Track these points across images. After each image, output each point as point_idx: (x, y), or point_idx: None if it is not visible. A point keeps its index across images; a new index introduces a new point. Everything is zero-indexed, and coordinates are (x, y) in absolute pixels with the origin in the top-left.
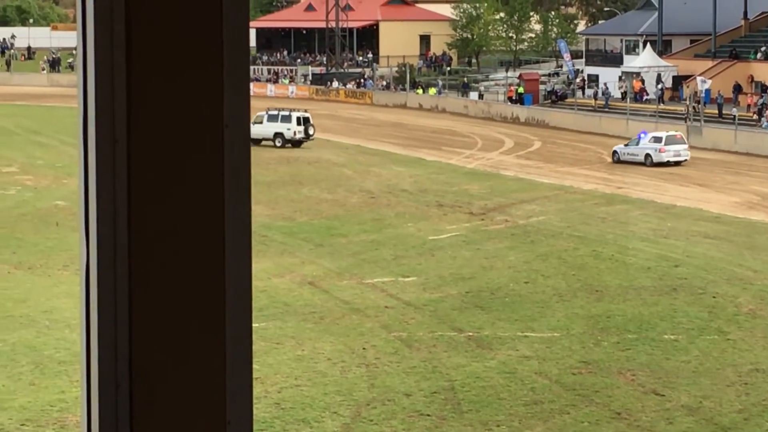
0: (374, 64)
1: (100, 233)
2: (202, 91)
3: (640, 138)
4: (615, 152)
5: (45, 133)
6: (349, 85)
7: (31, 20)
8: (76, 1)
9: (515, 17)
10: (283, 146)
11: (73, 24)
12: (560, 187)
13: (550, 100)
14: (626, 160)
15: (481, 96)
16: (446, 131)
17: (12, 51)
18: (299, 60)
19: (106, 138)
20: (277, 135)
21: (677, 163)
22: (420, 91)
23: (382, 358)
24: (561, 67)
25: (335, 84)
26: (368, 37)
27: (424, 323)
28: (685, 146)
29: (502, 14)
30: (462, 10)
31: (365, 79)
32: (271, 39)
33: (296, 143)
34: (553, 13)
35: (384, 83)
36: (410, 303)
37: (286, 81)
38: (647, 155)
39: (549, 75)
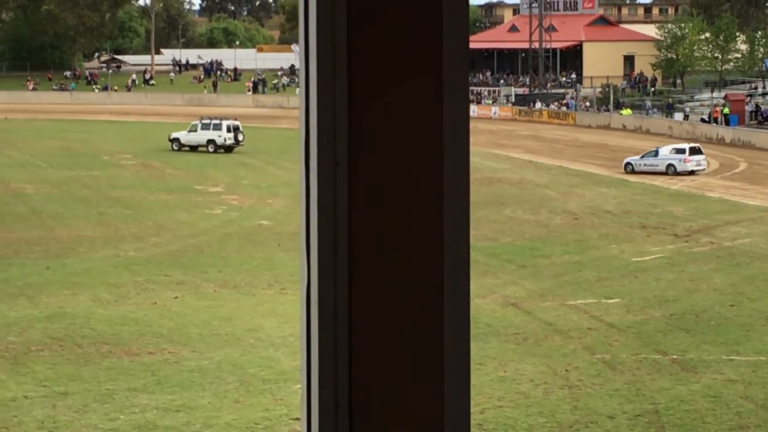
0: (577, 85)
1: (321, 255)
2: (421, 112)
3: (658, 151)
4: (628, 164)
5: (250, 153)
6: (552, 106)
7: (237, 42)
8: (299, 24)
9: (721, 37)
10: (215, 151)
11: (278, 46)
12: (767, 209)
13: (756, 121)
14: (642, 171)
15: (686, 117)
16: None
17: (219, 73)
18: (502, 81)
19: (328, 159)
20: (210, 141)
21: (694, 173)
22: (626, 111)
23: (585, 380)
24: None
25: (538, 105)
26: (571, 57)
27: (628, 345)
28: (704, 157)
29: (707, 34)
30: (667, 30)
31: (568, 100)
32: (474, 59)
33: (227, 149)
34: (759, 33)
35: (587, 104)
36: (613, 325)
37: (489, 102)
38: (669, 165)
39: (751, 96)
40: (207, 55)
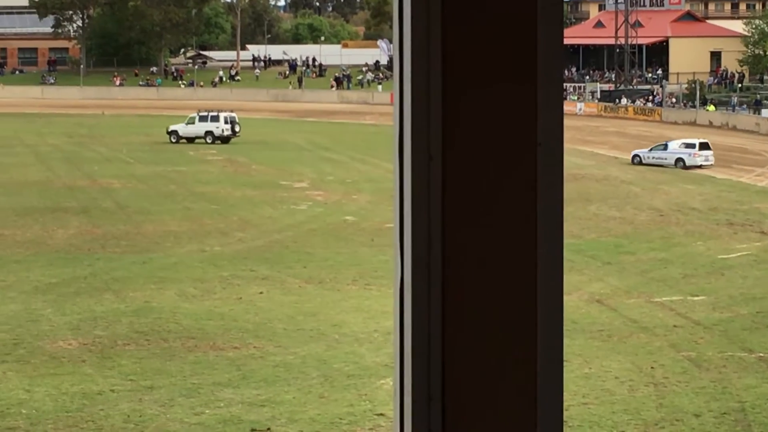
0: (663, 81)
1: (414, 250)
2: (515, 109)
3: (667, 144)
4: (636, 156)
5: (335, 149)
6: (637, 102)
7: (322, 38)
8: (393, 21)
9: None
10: (213, 142)
11: (363, 41)
12: None
13: None
14: (649, 163)
15: None
16: (737, 149)
17: (303, 68)
18: (588, 77)
19: (422, 155)
20: (208, 133)
21: (702, 167)
22: (711, 107)
23: (671, 378)
24: None
25: (624, 101)
26: (657, 53)
27: (714, 343)
28: (712, 152)
29: None
30: (754, 26)
31: (654, 96)
32: None
33: (224, 140)
34: None
35: (673, 100)
36: (699, 322)
37: (575, 98)
38: (679, 159)
39: None
40: (292, 51)
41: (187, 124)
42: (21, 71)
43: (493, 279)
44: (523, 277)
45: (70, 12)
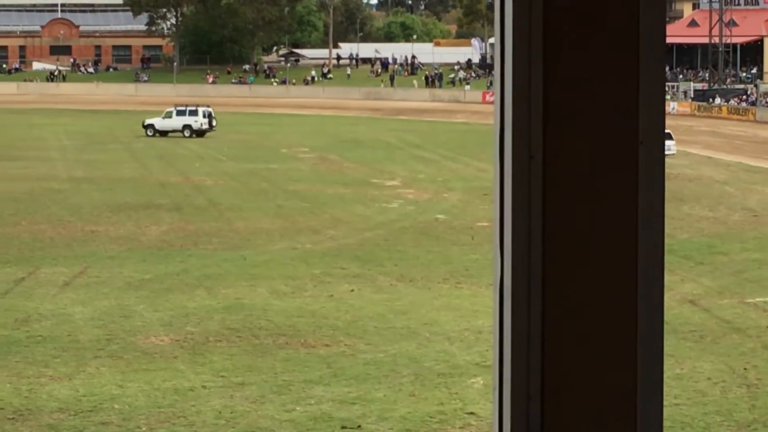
0: (758, 80)
1: (514, 248)
2: (617, 108)
3: None
4: None
5: (426, 147)
6: (731, 102)
7: (414, 36)
8: (494, 20)
9: None
10: (191, 136)
11: (455, 40)
12: None
13: None
14: None
15: None
16: None
17: (395, 67)
18: (681, 76)
19: (522, 153)
20: (186, 126)
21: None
22: None
23: (764, 379)
24: None
25: (717, 100)
26: (752, 52)
27: None
28: (674, 142)
29: None
30: None
31: (748, 96)
32: None
33: (200, 134)
34: None
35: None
36: None
37: (668, 97)
38: None
39: None
40: (384, 49)
41: (164, 117)
42: (115, 69)
43: (593, 278)
44: (624, 276)
45: (164, 10)
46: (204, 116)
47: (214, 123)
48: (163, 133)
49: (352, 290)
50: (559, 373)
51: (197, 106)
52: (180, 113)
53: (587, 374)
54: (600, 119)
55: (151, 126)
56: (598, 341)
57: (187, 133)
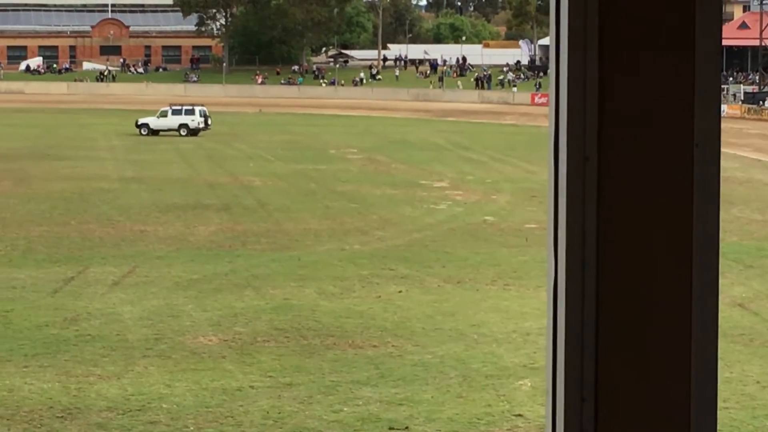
0: None
1: (568, 249)
2: (672, 110)
3: None
4: None
5: (475, 149)
6: None
7: (463, 38)
8: (550, 19)
9: None
10: (187, 135)
11: (504, 41)
12: None
13: None
14: None
15: None
16: None
17: (444, 68)
18: (731, 78)
19: (577, 155)
20: (182, 126)
21: None
22: None
23: None
24: None
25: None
26: None
27: None
28: None
29: None
30: None
31: None
32: None
33: (194, 132)
34: None
35: None
36: None
37: None
38: None
39: None
40: (433, 50)
41: (159, 117)
42: (165, 69)
43: (647, 280)
44: (679, 279)
45: (214, 10)
46: (200, 115)
47: (209, 122)
48: (154, 132)
49: (400, 291)
50: (613, 375)
51: (193, 105)
52: (176, 112)
53: (641, 377)
54: (655, 120)
55: (146, 125)
56: (653, 343)
57: (183, 132)
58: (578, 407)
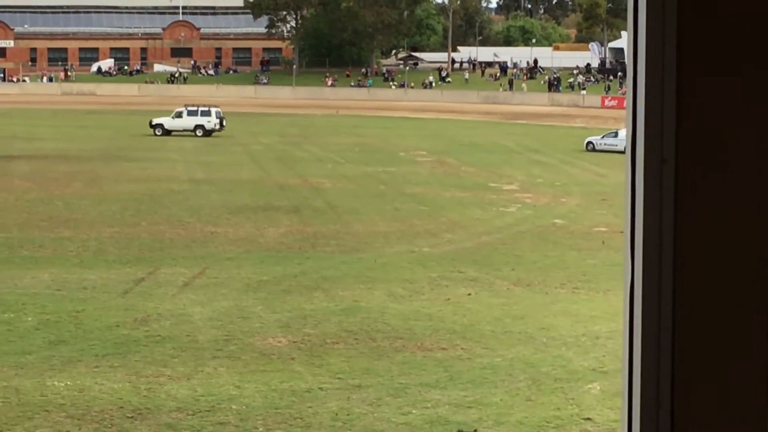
0: None
1: (645, 253)
2: (752, 110)
3: (618, 132)
4: (590, 143)
5: (544, 152)
6: None
7: (533, 40)
8: (627, 22)
9: None
10: (203, 136)
11: (574, 44)
12: None
13: None
14: (602, 149)
15: None
16: None
17: (514, 70)
18: None
19: (654, 157)
20: (198, 126)
21: None
22: None
23: None
24: None
25: None
26: None
27: None
28: None
29: None
30: None
31: None
32: None
33: (209, 133)
34: None
35: None
36: None
37: None
38: None
39: None
40: (503, 53)
41: (174, 117)
42: (235, 71)
43: (726, 284)
44: (757, 283)
45: (284, 12)
46: (216, 117)
47: (224, 123)
48: (167, 132)
49: (469, 294)
50: (689, 381)
51: (209, 106)
52: (191, 113)
53: (718, 382)
54: (733, 121)
55: (160, 126)
56: (730, 349)
57: (199, 132)
58: (654, 412)
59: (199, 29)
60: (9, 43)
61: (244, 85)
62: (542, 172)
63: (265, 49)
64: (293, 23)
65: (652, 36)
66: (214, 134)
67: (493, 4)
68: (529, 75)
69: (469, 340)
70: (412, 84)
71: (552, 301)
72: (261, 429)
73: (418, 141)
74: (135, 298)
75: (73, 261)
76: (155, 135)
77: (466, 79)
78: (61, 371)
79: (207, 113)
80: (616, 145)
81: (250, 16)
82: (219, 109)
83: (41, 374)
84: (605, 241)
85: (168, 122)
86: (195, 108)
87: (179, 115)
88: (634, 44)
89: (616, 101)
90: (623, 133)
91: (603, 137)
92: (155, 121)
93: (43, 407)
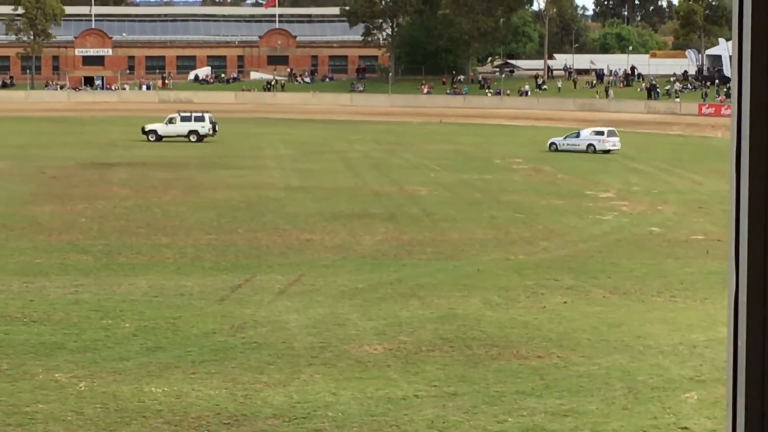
0: None
1: (750, 262)
2: None
3: (579, 132)
4: (552, 143)
5: (641, 159)
6: None
7: (630, 47)
8: (732, 29)
9: None
10: (197, 141)
11: (671, 51)
12: None
13: None
14: (564, 149)
15: None
16: None
17: (610, 78)
18: None
19: (760, 168)
20: (192, 132)
21: (610, 152)
22: None
23: None
24: None
25: None
26: None
27: None
28: (618, 138)
29: None
30: None
31: None
32: None
33: (202, 138)
34: None
35: None
36: None
37: None
38: (590, 145)
39: None
40: (599, 60)
41: (167, 123)
42: (331, 78)
43: None
44: None
45: (380, 20)
46: (209, 122)
47: (217, 128)
48: (158, 138)
49: (565, 302)
50: None
51: (203, 112)
52: (185, 119)
53: None
54: None
55: (153, 132)
56: None
57: (193, 138)
58: (759, 422)
59: (295, 37)
60: (107, 52)
61: (340, 93)
62: (639, 180)
63: (361, 57)
64: (389, 31)
65: (757, 46)
66: (301, 143)
67: (590, 12)
68: (625, 82)
69: (565, 348)
70: (508, 91)
71: (649, 310)
72: None
73: (513, 148)
74: (231, 304)
75: (170, 268)
76: (148, 141)
77: (559, 88)
78: (158, 377)
79: (200, 119)
80: (578, 145)
81: (346, 24)
82: (211, 115)
83: (139, 380)
84: (697, 249)
85: (161, 128)
86: (189, 114)
87: (172, 120)
88: (739, 54)
89: (713, 108)
90: (584, 132)
91: (565, 138)
92: (148, 127)
93: (140, 413)
